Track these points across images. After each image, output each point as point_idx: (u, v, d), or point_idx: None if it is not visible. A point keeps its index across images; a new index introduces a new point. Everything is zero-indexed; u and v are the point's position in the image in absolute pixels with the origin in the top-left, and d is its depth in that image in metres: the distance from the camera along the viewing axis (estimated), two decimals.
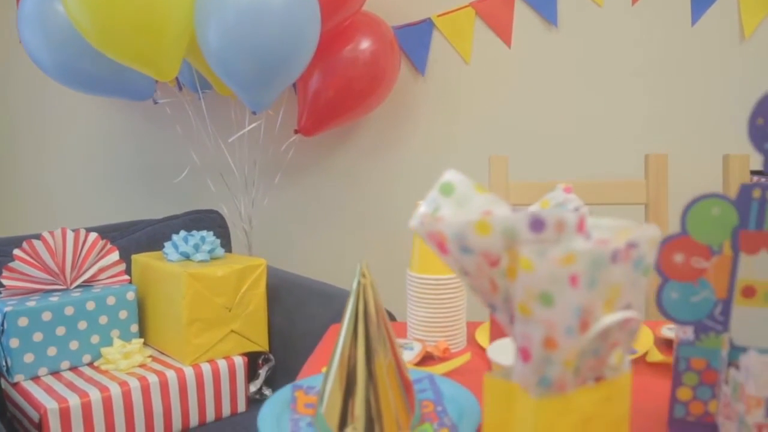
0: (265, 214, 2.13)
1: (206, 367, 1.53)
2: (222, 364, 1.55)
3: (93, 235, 1.60)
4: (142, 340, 1.58)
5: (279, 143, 2.06)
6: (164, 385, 1.46)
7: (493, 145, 2.14)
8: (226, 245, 1.93)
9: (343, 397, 0.75)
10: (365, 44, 1.92)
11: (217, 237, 1.86)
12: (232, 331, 1.58)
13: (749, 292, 0.62)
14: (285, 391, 0.84)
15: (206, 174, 2.08)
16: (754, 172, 1.93)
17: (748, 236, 0.61)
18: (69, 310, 1.50)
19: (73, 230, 1.58)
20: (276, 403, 0.81)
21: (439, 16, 2.10)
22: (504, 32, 2.10)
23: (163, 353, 1.62)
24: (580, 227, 0.49)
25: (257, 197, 2.02)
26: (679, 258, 0.63)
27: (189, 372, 1.50)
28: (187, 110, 2.01)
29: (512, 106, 2.12)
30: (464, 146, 2.14)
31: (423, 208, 0.55)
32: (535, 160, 2.11)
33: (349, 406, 0.75)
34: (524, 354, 0.50)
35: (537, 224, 0.47)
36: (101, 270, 1.62)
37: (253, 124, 1.85)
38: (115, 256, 1.64)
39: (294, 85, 2.06)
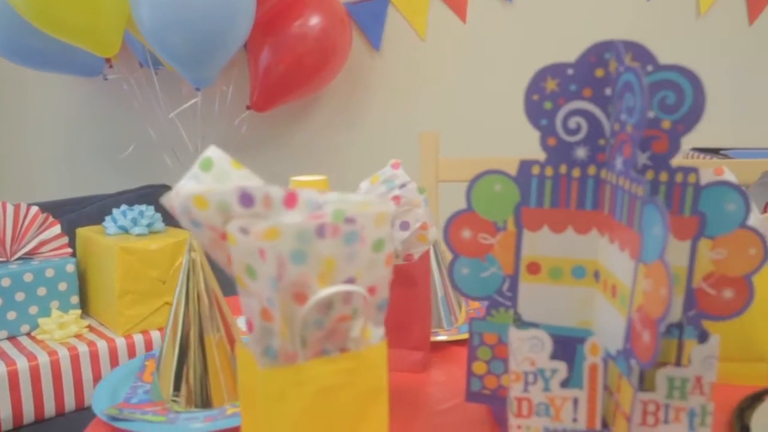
0: None
1: (138, 338, 1.57)
2: (155, 335, 1.59)
3: (34, 209, 1.64)
4: (79, 311, 1.62)
5: (232, 118, 2.07)
6: (94, 355, 1.50)
7: (449, 121, 2.13)
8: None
9: (175, 367, 0.77)
10: (315, 20, 1.92)
11: (158, 212, 1.89)
12: (166, 303, 1.61)
13: (534, 268, 0.63)
14: (137, 361, 0.87)
15: (162, 149, 2.11)
16: (696, 149, 1.91)
17: (529, 213, 0.62)
18: (6, 282, 1.54)
19: (14, 204, 1.62)
20: (122, 371, 0.84)
21: None
22: (459, 8, 2.08)
23: (102, 324, 1.66)
24: (290, 202, 0.50)
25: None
26: (466, 234, 0.64)
27: (121, 342, 1.54)
28: (144, 86, 2.04)
29: (468, 81, 2.11)
30: (420, 121, 2.14)
31: (182, 183, 0.57)
32: (489, 135, 2.11)
33: (182, 375, 0.77)
34: (248, 325, 0.51)
35: (246, 199, 0.49)
36: (42, 243, 1.66)
37: (193, 100, 1.87)
38: (56, 229, 1.68)
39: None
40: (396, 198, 0.77)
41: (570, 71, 0.59)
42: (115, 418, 0.71)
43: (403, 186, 0.77)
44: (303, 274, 0.49)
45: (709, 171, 0.77)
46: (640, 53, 0.57)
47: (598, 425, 0.58)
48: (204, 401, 0.77)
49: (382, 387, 0.58)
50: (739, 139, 1.91)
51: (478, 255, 0.64)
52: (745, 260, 0.59)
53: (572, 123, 0.59)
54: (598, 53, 0.57)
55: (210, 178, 0.57)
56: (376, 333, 0.56)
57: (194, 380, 0.77)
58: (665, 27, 2.01)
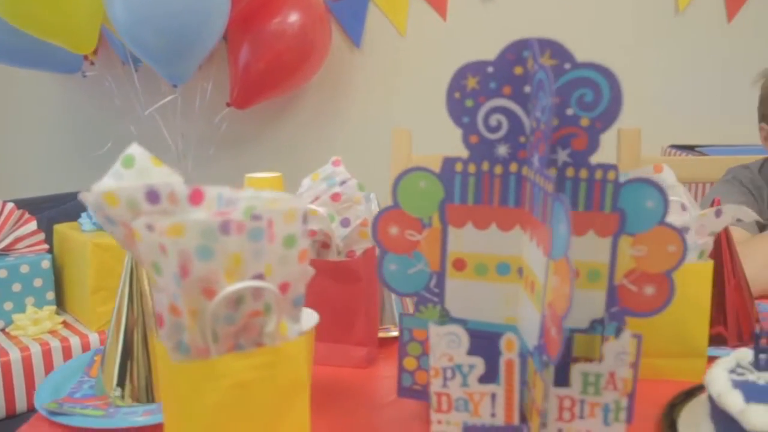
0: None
1: None
2: None
3: (9, 205, 1.65)
4: (54, 307, 1.63)
5: (212, 115, 2.08)
6: (67, 351, 1.51)
7: (430, 117, 2.13)
8: None
9: (119, 363, 0.78)
10: (293, 17, 1.93)
11: None
12: None
13: (460, 264, 0.63)
14: (86, 355, 0.88)
15: (144, 146, 2.11)
16: (674, 147, 1.91)
17: (453, 209, 0.62)
18: None
19: None
20: (72, 366, 0.85)
21: None
22: (439, 5, 2.09)
23: (77, 320, 1.67)
24: (196, 199, 0.50)
25: (189, 170, 2.05)
26: (394, 230, 0.64)
27: (94, 338, 1.55)
28: (124, 83, 2.04)
29: (448, 78, 2.11)
30: (401, 118, 2.15)
31: (104, 180, 0.57)
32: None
33: (126, 371, 0.78)
34: (159, 320, 0.52)
35: (152, 196, 0.49)
36: (18, 239, 1.67)
37: (170, 97, 1.87)
38: (32, 225, 1.68)
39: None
40: (336, 195, 0.78)
41: (490, 69, 0.59)
42: (54, 413, 0.72)
43: (343, 183, 0.78)
44: (210, 270, 0.49)
45: (649, 168, 0.77)
46: (558, 51, 0.57)
47: (515, 420, 0.58)
48: (149, 397, 0.78)
49: (302, 382, 0.58)
50: (717, 136, 1.91)
51: (406, 251, 0.64)
52: (665, 257, 0.60)
53: (493, 120, 0.59)
54: (517, 51, 0.58)
55: (131, 175, 0.58)
56: (294, 328, 0.57)
57: (139, 377, 0.78)
58: (644, 24, 2.01)
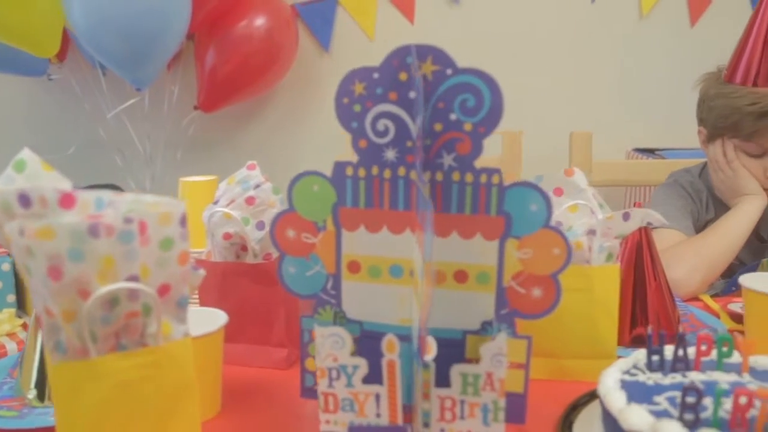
0: (171, 190, 2.17)
1: None
2: None
3: None
4: (14, 309, 1.63)
5: (180, 118, 2.09)
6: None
7: None
8: None
9: (37, 365, 0.79)
10: (259, 21, 1.94)
11: None
12: None
13: (354, 267, 0.64)
14: (12, 358, 0.89)
15: (112, 150, 2.12)
16: (637, 150, 1.92)
17: (346, 213, 0.63)
18: None
19: None
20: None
21: None
22: (407, 8, 2.10)
23: None
24: (67, 203, 0.51)
25: (158, 173, 2.06)
26: (290, 233, 0.65)
27: None
28: (92, 86, 2.05)
29: None
30: None
31: None
32: None
33: (44, 372, 0.79)
34: (38, 320, 0.53)
35: (24, 200, 0.50)
36: None
37: (132, 100, 1.89)
38: None
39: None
40: (250, 198, 0.79)
41: (376, 75, 0.60)
42: None
43: (257, 187, 0.79)
44: (82, 272, 0.50)
45: (561, 172, 0.78)
46: (439, 57, 0.58)
47: (399, 420, 0.59)
48: None
49: (189, 383, 0.59)
50: (682, 140, 1.92)
51: (303, 254, 0.65)
52: (550, 260, 0.61)
53: (381, 125, 0.60)
54: (401, 57, 0.59)
55: (23, 179, 0.59)
56: (179, 329, 0.58)
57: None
58: (609, 28, 2.02)
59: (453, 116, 0.59)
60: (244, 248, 0.81)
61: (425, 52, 0.58)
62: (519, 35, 2.06)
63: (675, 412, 0.57)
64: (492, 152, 1.74)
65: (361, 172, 0.62)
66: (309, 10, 2.11)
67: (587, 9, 2.03)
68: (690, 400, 0.55)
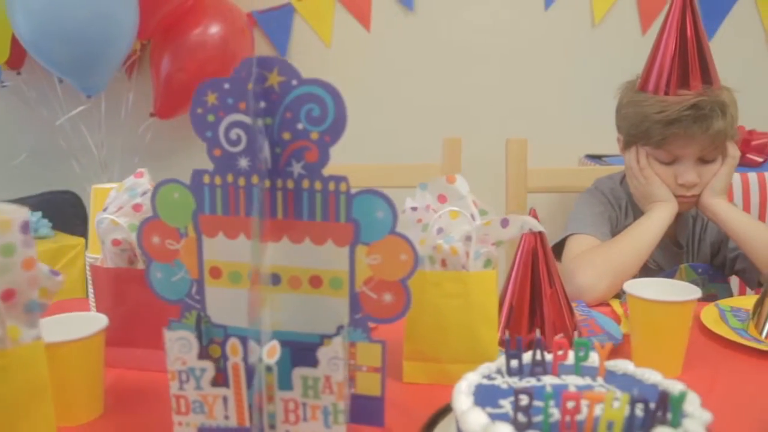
0: None
1: None
2: None
3: None
4: None
5: (137, 125, 2.10)
6: None
7: (356, 126, 2.16)
8: (82, 225, 1.99)
9: None
10: (214, 28, 1.96)
11: (49, 219, 1.90)
12: None
13: (216, 272, 0.66)
14: None
15: (70, 156, 2.14)
16: (588, 156, 1.94)
17: (205, 220, 0.65)
18: None
19: None
20: None
21: (299, 0, 2.12)
22: (363, 16, 2.12)
23: None
24: None
25: (115, 180, 2.07)
26: (156, 240, 0.67)
27: None
28: (48, 93, 2.07)
29: (372, 87, 2.15)
30: None
31: None
32: (394, 140, 2.13)
33: None
34: None
35: None
36: None
37: (80, 107, 1.90)
38: None
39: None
40: (137, 206, 0.80)
41: (226, 86, 0.62)
42: None
43: (144, 194, 0.80)
44: None
45: (443, 178, 0.80)
46: (284, 68, 0.60)
47: (246, 422, 0.60)
48: None
49: (42, 385, 0.61)
50: None
51: (168, 260, 0.67)
52: (398, 265, 0.62)
53: (233, 134, 0.62)
54: (249, 69, 0.60)
55: None
56: (29, 333, 0.59)
57: None
58: (561, 35, 2.04)
59: (300, 125, 0.61)
60: (137, 254, 0.83)
61: (271, 63, 0.60)
62: (473, 42, 2.08)
63: (523, 416, 0.58)
64: (432, 158, 1.76)
65: (218, 180, 0.63)
66: (266, 17, 2.13)
67: (540, 16, 2.05)
68: (522, 402, 0.57)
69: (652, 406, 0.56)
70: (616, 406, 0.55)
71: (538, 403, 0.57)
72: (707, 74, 1.09)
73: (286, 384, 0.59)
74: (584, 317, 0.99)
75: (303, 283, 0.64)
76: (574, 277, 1.06)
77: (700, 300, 1.14)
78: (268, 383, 0.59)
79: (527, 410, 0.57)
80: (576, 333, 0.93)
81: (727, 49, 2.04)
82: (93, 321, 0.75)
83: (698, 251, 1.21)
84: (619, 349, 0.88)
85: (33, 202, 1.97)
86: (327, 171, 1.62)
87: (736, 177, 1.63)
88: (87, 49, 1.62)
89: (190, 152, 2.21)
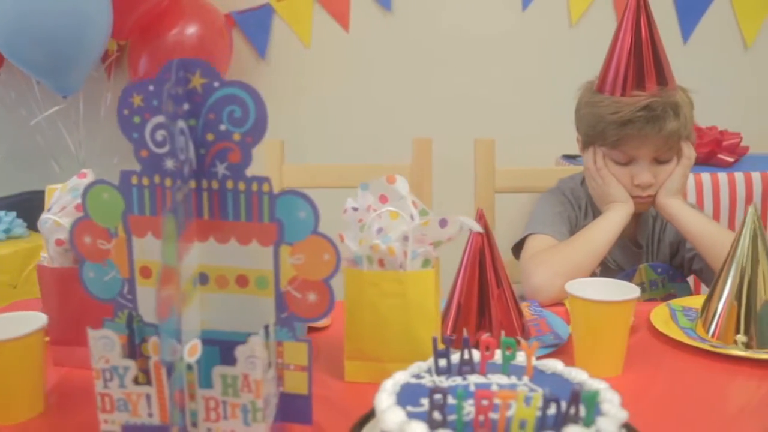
0: None
1: None
2: None
3: None
4: None
5: (116, 125, 2.10)
6: None
7: (331, 127, 2.17)
8: None
9: None
10: (191, 29, 1.97)
11: (24, 219, 1.91)
12: None
13: (146, 272, 0.66)
14: None
15: (50, 156, 2.15)
16: (565, 156, 1.94)
17: (135, 220, 0.65)
18: None
19: None
20: None
21: (278, 0, 2.12)
22: (341, 16, 2.13)
23: None
24: None
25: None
26: (87, 240, 0.67)
27: None
28: (26, 94, 2.07)
29: (350, 87, 2.15)
30: (306, 127, 2.18)
31: None
32: (371, 141, 2.14)
33: None
34: None
35: None
36: None
37: (55, 108, 1.91)
38: None
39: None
40: (80, 206, 0.81)
41: (151, 87, 0.62)
42: None
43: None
44: None
45: (383, 179, 0.80)
46: (206, 70, 0.61)
47: (170, 420, 0.61)
48: None
49: None
50: None
51: (100, 260, 0.68)
52: (321, 265, 0.63)
53: (159, 136, 0.63)
54: (172, 71, 0.61)
55: None
56: None
57: None
58: (539, 36, 2.05)
59: (223, 127, 0.61)
60: None
61: (194, 65, 0.61)
62: (451, 42, 2.08)
63: (438, 414, 0.58)
64: (403, 159, 1.77)
65: (145, 181, 0.64)
66: (245, 17, 2.13)
67: (518, 17, 2.06)
68: (436, 401, 0.57)
69: (564, 404, 0.56)
70: (529, 404, 0.56)
71: (454, 402, 0.58)
72: (662, 75, 1.10)
73: (210, 382, 0.60)
74: (535, 317, 1.00)
75: (230, 283, 0.65)
76: (529, 277, 1.07)
77: (661, 299, 1.15)
78: (189, 381, 0.60)
79: (442, 409, 0.57)
80: (524, 333, 0.94)
81: (703, 49, 2.05)
82: (32, 320, 0.75)
83: (658, 251, 1.22)
84: (564, 349, 0.88)
85: (10, 202, 1.98)
86: (297, 170, 1.62)
87: (707, 177, 1.63)
88: (59, 50, 1.63)
89: None
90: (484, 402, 0.57)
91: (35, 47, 1.60)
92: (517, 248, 1.21)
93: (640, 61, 1.09)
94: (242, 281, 0.65)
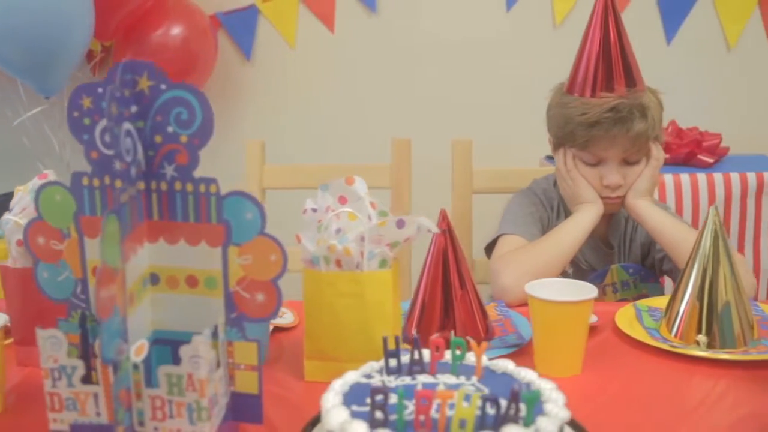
0: None
1: None
2: None
3: None
4: None
5: None
6: None
7: (318, 126, 2.18)
8: None
9: None
10: (175, 30, 1.97)
11: None
12: None
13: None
14: None
15: (36, 157, 2.15)
16: (548, 157, 1.94)
17: (86, 221, 0.66)
18: None
19: None
20: None
21: (263, 1, 2.13)
22: (327, 18, 2.13)
23: None
24: None
25: None
26: (41, 240, 0.68)
27: None
28: (11, 95, 2.08)
29: (336, 88, 2.16)
30: (292, 127, 2.19)
31: None
32: (357, 141, 2.14)
33: None
34: None
35: None
36: None
37: (37, 109, 1.92)
38: None
39: None
40: None
41: (100, 90, 0.63)
42: None
43: None
44: None
45: (341, 180, 0.81)
46: (153, 72, 0.61)
47: (114, 418, 0.62)
48: None
49: None
50: None
51: (53, 260, 0.68)
52: (268, 265, 0.63)
53: (108, 137, 0.63)
54: (118, 73, 0.61)
55: None
56: None
57: None
58: (524, 36, 2.05)
59: (170, 129, 0.62)
60: None
61: (141, 67, 0.61)
62: (436, 43, 2.09)
63: (380, 414, 0.59)
64: (386, 160, 1.77)
65: (95, 182, 0.65)
66: (231, 18, 2.14)
67: (503, 18, 2.07)
68: (378, 401, 0.58)
69: (504, 404, 0.57)
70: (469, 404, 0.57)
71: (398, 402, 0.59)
72: (630, 77, 1.10)
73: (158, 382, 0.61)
74: (501, 317, 1.00)
75: (180, 283, 0.66)
76: (497, 278, 1.07)
77: (633, 299, 1.15)
78: (136, 381, 0.60)
79: (384, 408, 0.58)
80: (488, 333, 0.94)
81: (687, 51, 2.06)
82: None
83: (629, 252, 1.22)
84: (527, 349, 0.89)
85: None
86: (278, 170, 1.62)
87: (686, 178, 1.64)
88: (40, 51, 1.63)
89: None
90: (424, 401, 0.57)
91: (15, 47, 1.60)
92: (490, 249, 1.21)
93: (608, 62, 1.10)
94: (192, 282, 0.65)
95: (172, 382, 0.60)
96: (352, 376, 0.68)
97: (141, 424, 0.61)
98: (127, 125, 0.60)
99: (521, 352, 0.88)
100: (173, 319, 0.67)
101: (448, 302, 0.91)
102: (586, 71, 1.11)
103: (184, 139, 0.62)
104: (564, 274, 1.22)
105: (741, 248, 1.66)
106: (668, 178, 1.63)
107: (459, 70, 2.10)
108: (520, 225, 1.18)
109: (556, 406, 0.61)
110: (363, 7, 2.10)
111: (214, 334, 0.63)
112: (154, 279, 0.66)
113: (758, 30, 2.02)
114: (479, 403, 0.57)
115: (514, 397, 0.57)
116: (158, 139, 0.62)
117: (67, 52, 1.68)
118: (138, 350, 0.60)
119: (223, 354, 0.65)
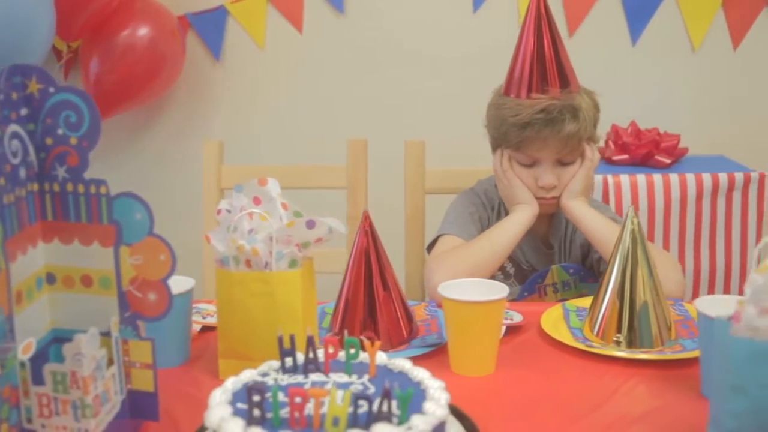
0: None
1: None
2: None
3: None
4: None
5: None
6: None
7: (287, 127, 2.19)
8: None
9: None
10: (143, 31, 1.98)
11: None
12: None
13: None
14: None
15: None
16: None
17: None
18: None
19: None
20: None
21: (232, 2, 2.14)
22: (295, 19, 2.14)
23: None
24: None
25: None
26: None
27: None
28: None
29: (305, 89, 2.17)
30: (262, 128, 2.20)
31: None
32: (326, 142, 2.14)
33: None
34: None
35: None
36: None
37: None
38: None
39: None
40: None
41: (1, 97, 0.64)
42: None
43: None
44: None
45: (254, 181, 0.82)
46: (42, 76, 0.62)
47: None
48: None
49: None
50: None
51: None
52: (158, 265, 0.65)
53: (14, 146, 0.64)
54: (9, 77, 0.63)
55: None
56: None
57: None
58: (490, 37, 2.06)
59: (60, 131, 0.63)
60: None
61: (30, 70, 0.62)
62: (404, 44, 2.10)
63: (257, 411, 0.60)
64: (339, 159, 1.78)
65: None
66: (200, 19, 2.15)
67: (469, 18, 2.08)
68: (255, 399, 0.59)
69: (376, 403, 0.58)
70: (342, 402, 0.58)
71: (283, 400, 0.60)
72: (564, 78, 1.11)
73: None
74: (428, 317, 1.01)
75: (76, 283, 0.67)
76: (430, 277, 1.08)
77: (575, 299, 1.16)
78: (23, 378, 0.62)
79: (261, 406, 0.59)
80: (412, 333, 0.95)
81: (651, 51, 2.07)
82: None
83: (569, 252, 1.23)
84: (445, 348, 0.90)
85: None
86: (236, 171, 1.62)
87: (642, 179, 1.64)
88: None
89: (131, 152, 2.24)
90: (298, 399, 0.58)
91: None
92: (431, 249, 1.22)
93: (542, 64, 1.11)
94: (87, 281, 0.67)
95: (57, 380, 0.61)
96: (247, 375, 0.69)
97: (29, 421, 0.62)
98: (14, 127, 0.62)
99: (440, 352, 0.89)
100: (71, 317, 0.68)
101: (372, 302, 0.92)
102: (521, 72, 1.12)
103: (73, 141, 0.63)
104: (506, 274, 1.24)
105: (696, 250, 1.66)
106: (624, 179, 1.63)
107: (426, 71, 2.12)
108: (459, 225, 1.19)
109: (436, 405, 0.62)
110: (331, 8, 2.11)
111: (106, 333, 0.64)
112: (50, 278, 0.67)
113: (722, 31, 2.02)
114: (351, 401, 0.58)
115: (386, 396, 0.58)
116: (49, 141, 0.64)
117: (27, 55, 1.69)
118: (25, 348, 0.61)
119: (118, 352, 0.66)
